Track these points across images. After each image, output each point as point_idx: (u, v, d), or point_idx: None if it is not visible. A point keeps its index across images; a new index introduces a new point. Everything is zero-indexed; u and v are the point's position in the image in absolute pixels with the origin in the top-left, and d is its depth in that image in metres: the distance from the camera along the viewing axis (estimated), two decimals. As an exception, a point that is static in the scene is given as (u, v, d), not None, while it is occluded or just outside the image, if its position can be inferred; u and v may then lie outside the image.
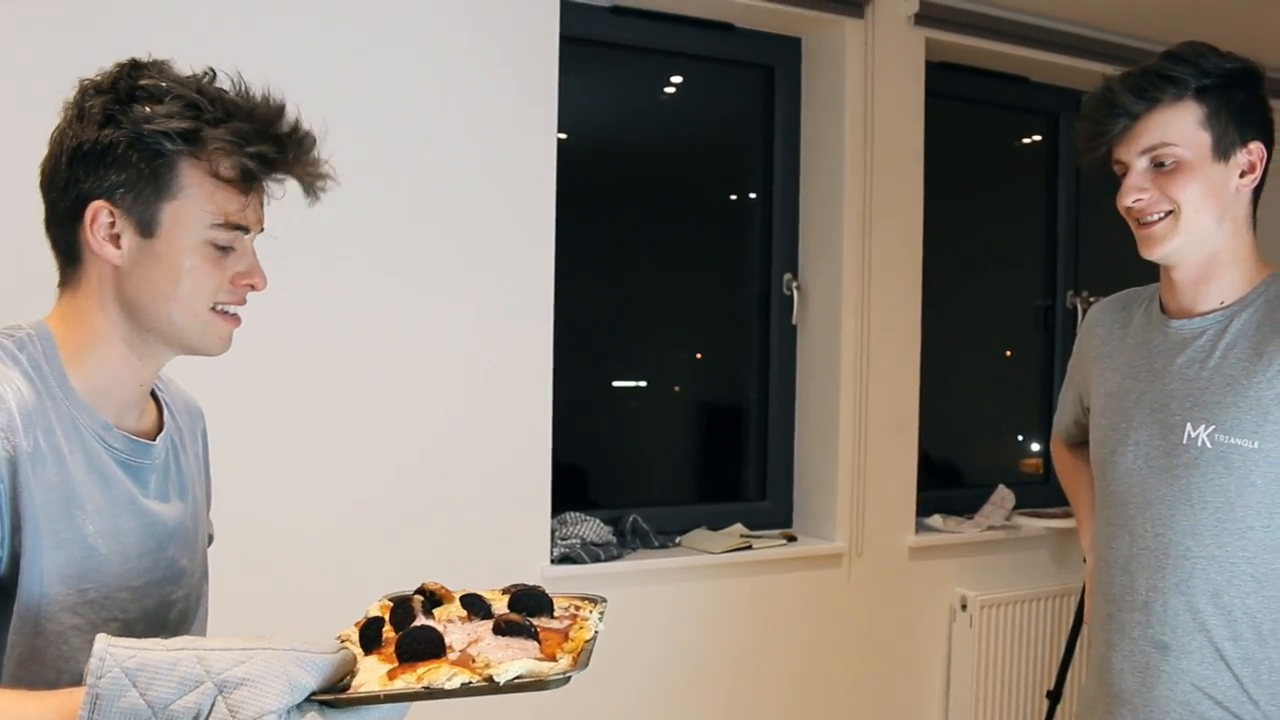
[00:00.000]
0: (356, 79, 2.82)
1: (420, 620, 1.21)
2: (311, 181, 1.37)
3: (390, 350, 2.88)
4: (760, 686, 3.52)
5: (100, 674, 1.03)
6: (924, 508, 3.88)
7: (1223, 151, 1.80)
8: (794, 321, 3.74)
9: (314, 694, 1.07)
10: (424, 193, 2.92)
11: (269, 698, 1.03)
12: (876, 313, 3.65)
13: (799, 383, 3.78)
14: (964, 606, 3.83)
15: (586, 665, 1.14)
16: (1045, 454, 4.38)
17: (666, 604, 3.35)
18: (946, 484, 4.20)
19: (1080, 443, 2.24)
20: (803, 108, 3.76)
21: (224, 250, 1.33)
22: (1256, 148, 1.82)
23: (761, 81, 3.79)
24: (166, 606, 1.40)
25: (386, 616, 1.23)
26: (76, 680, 1.23)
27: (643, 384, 3.85)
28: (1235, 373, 1.79)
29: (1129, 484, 1.89)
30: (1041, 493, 4.19)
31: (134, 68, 1.31)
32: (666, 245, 3.82)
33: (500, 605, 1.28)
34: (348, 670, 1.11)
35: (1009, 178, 4.52)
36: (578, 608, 1.31)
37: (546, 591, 1.30)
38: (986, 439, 4.51)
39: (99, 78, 1.31)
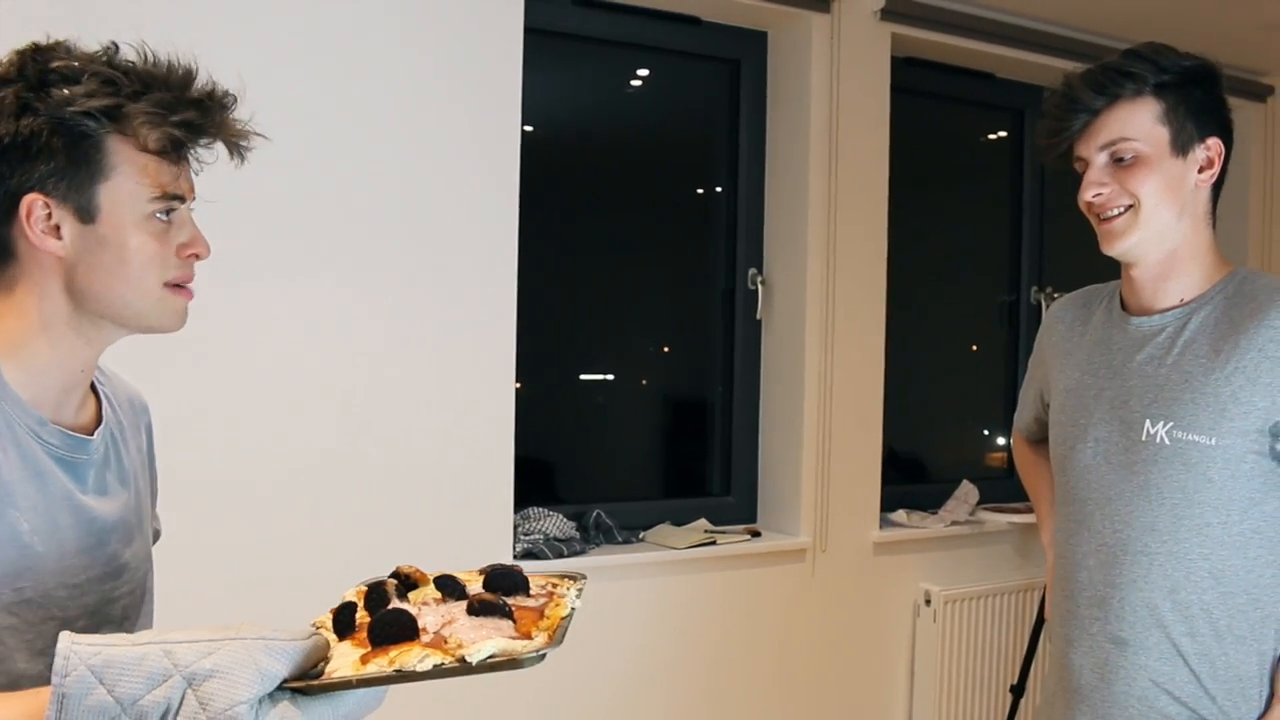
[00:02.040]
0: (316, 72, 2.80)
1: (394, 604, 1.19)
2: (236, 141, 1.34)
3: (352, 344, 2.86)
4: (725, 681, 3.52)
5: (65, 672, 1.01)
6: (888, 503, 3.89)
7: (1181, 147, 1.81)
8: (759, 316, 3.74)
9: (285, 682, 1.05)
10: (386, 186, 2.90)
11: (239, 688, 1.01)
12: (841, 307, 3.65)
13: (763, 377, 3.78)
14: (928, 601, 3.84)
15: (561, 642, 1.12)
16: (1009, 449, 4.40)
17: (630, 600, 3.34)
18: (911, 479, 4.22)
19: (1041, 440, 2.25)
20: (768, 102, 3.76)
21: (166, 223, 1.30)
22: (1215, 144, 1.84)
23: (727, 75, 3.78)
24: (109, 603, 1.37)
25: (360, 601, 1.22)
26: (14, 683, 1.22)
27: (609, 377, 3.84)
28: (1194, 369, 1.80)
29: (1088, 480, 1.90)
30: (1005, 488, 4.21)
31: (36, 51, 1.27)
32: (632, 239, 3.81)
33: (476, 586, 1.25)
34: (320, 657, 1.09)
35: (974, 173, 4.54)
36: (554, 585, 1.28)
37: (523, 571, 1.27)
38: (951, 434, 4.53)
39: (3, 68, 1.27)
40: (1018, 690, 3.65)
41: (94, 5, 2.51)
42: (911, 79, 3.95)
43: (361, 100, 2.86)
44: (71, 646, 1.03)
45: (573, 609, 1.22)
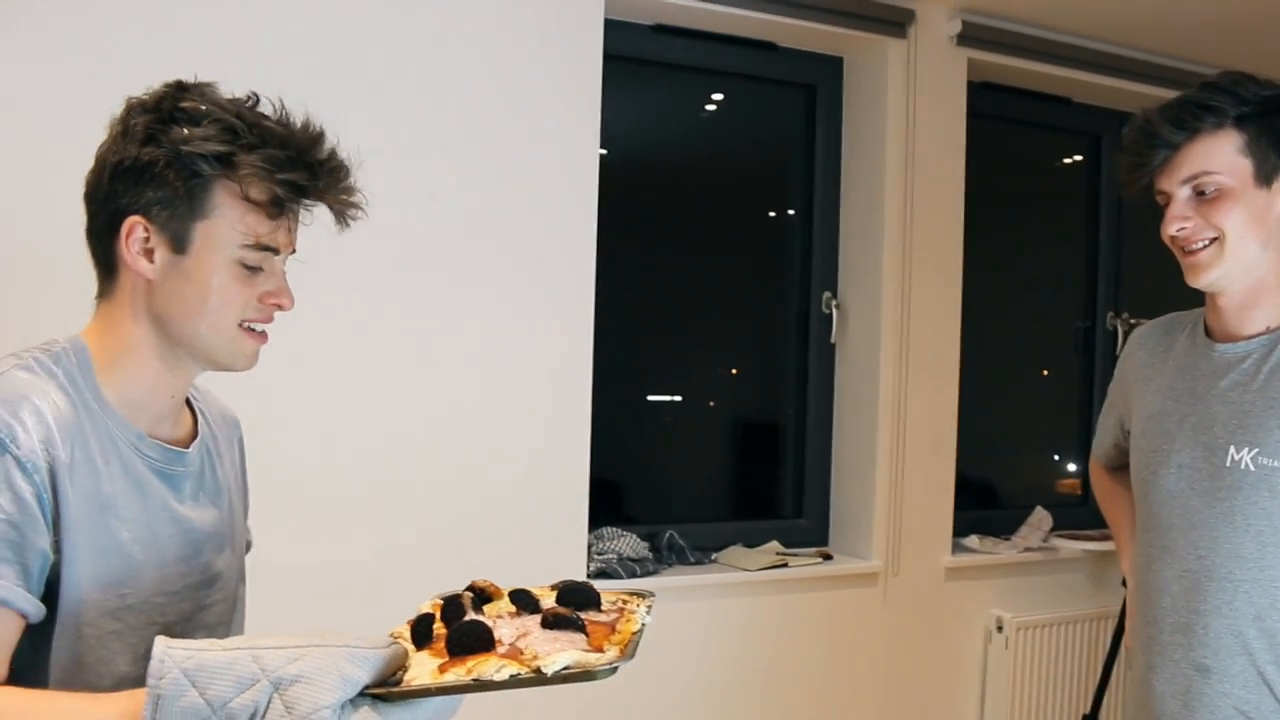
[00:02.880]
0: (403, 97, 2.85)
1: (470, 616, 1.22)
2: (342, 210, 1.40)
3: (431, 365, 2.91)
4: (793, 705, 3.52)
5: (160, 675, 1.06)
6: (961, 528, 3.87)
7: (1265, 177, 1.80)
8: (833, 340, 3.75)
9: (367, 688, 1.09)
10: (468, 209, 2.95)
11: (323, 693, 1.06)
12: (915, 332, 3.64)
13: (837, 401, 3.78)
14: (1000, 628, 3.81)
15: (633, 656, 1.15)
16: (1083, 475, 4.35)
17: (702, 620, 3.35)
18: (983, 504, 4.19)
19: (1119, 466, 2.24)
20: (844, 127, 3.77)
21: (253, 270, 1.35)
22: None
23: (803, 100, 3.80)
24: (203, 610, 1.43)
25: (437, 614, 1.25)
26: (118, 685, 1.27)
27: (677, 399, 3.85)
28: (1279, 396, 1.78)
29: (1171, 506, 1.88)
30: (1079, 514, 4.17)
31: (178, 89, 1.35)
32: (706, 261, 3.83)
33: (548, 600, 1.29)
34: (400, 665, 1.13)
35: (1050, 198, 4.51)
36: (625, 602, 1.31)
37: (594, 587, 1.31)
38: (1024, 460, 4.49)
39: (145, 97, 1.35)
40: (1091, 719, 3.61)
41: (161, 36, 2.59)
42: (987, 104, 3.94)
43: (444, 128, 2.91)
44: (166, 650, 1.08)
45: (644, 624, 1.25)
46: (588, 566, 3.15)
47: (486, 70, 2.96)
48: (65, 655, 1.27)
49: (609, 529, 3.32)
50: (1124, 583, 2.19)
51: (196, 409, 1.51)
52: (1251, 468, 1.78)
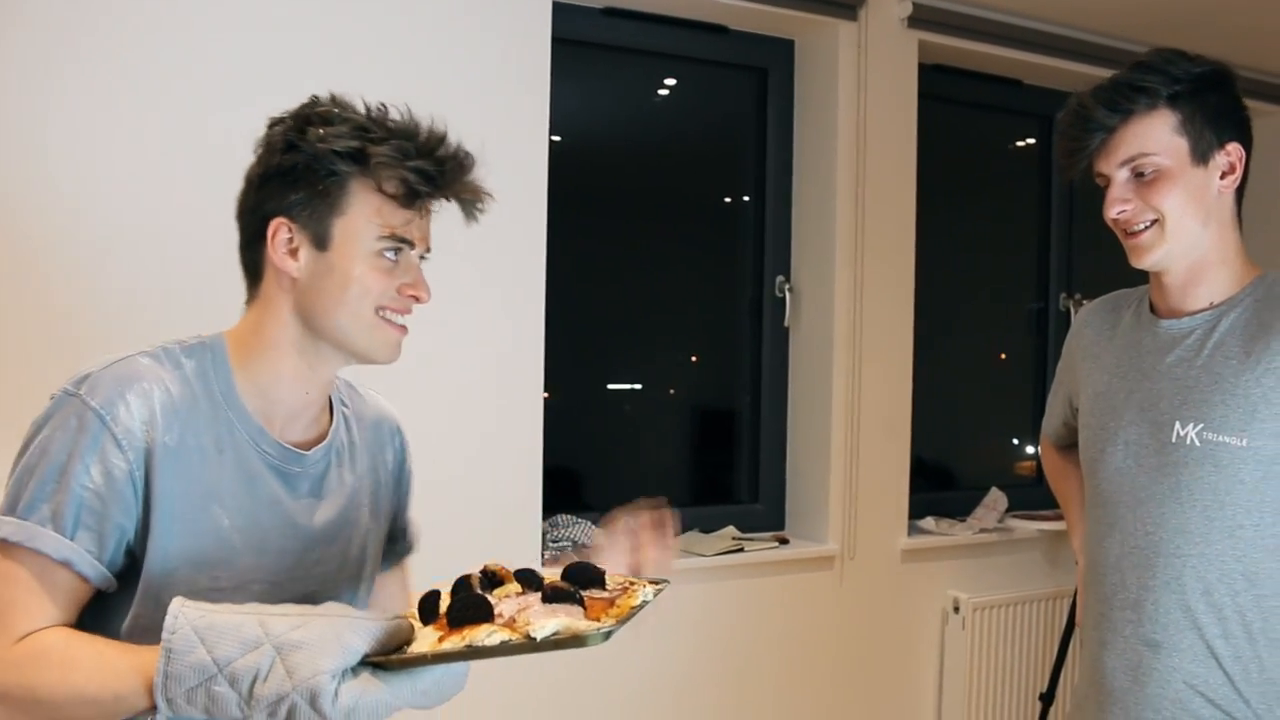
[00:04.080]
0: (345, 82, 2.80)
1: (478, 593, 1.26)
2: (470, 201, 1.50)
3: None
4: (752, 689, 3.52)
5: (173, 630, 1.16)
6: (916, 510, 3.88)
7: (1201, 155, 1.80)
8: (786, 324, 3.74)
9: (366, 657, 1.15)
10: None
11: (323, 659, 1.12)
12: (869, 315, 3.65)
13: (791, 385, 3.78)
14: (956, 609, 3.83)
15: (625, 624, 1.20)
16: (1038, 456, 4.38)
17: (658, 605, 3.33)
18: (939, 486, 4.21)
19: (1069, 445, 2.25)
20: (796, 110, 3.77)
21: (391, 262, 1.43)
22: (1235, 148, 1.83)
23: (755, 83, 3.79)
24: (304, 602, 1.44)
25: (446, 593, 1.28)
26: None
27: (637, 386, 3.84)
28: (1224, 371, 1.79)
29: (1118, 483, 1.89)
30: (1034, 495, 4.20)
31: (314, 101, 1.46)
32: (660, 248, 3.81)
33: (555, 580, 1.31)
34: (403, 638, 1.19)
35: (1002, 180, 4.53)
36: (631, 583, 1.35)
37: (600, 568, 1.34)
38: (979, 441, 4.51)
39: (284, 113, 1.45)
40: (1047, 698, 3.63)
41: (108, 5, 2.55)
42: (939, 86, 3.94)
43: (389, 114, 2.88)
44: (181, 608, 1.18)
45: (645, 601, 1.29)
46: (542, 554, 3.13)
47: (432, 54, 2.93)
48: (145, 619, 1.32)
49: (564, 516, 3.30)
50: (1077, 561, 2.20)
51: (339, 414, 1.57)
52: (1197, 443, 1.79)
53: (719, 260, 3.90)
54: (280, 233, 1.40)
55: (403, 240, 1.43)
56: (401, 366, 2.88)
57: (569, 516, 3.30)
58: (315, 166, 1.39)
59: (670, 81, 3.77)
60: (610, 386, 3.79)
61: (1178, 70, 1.80)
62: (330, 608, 1.19)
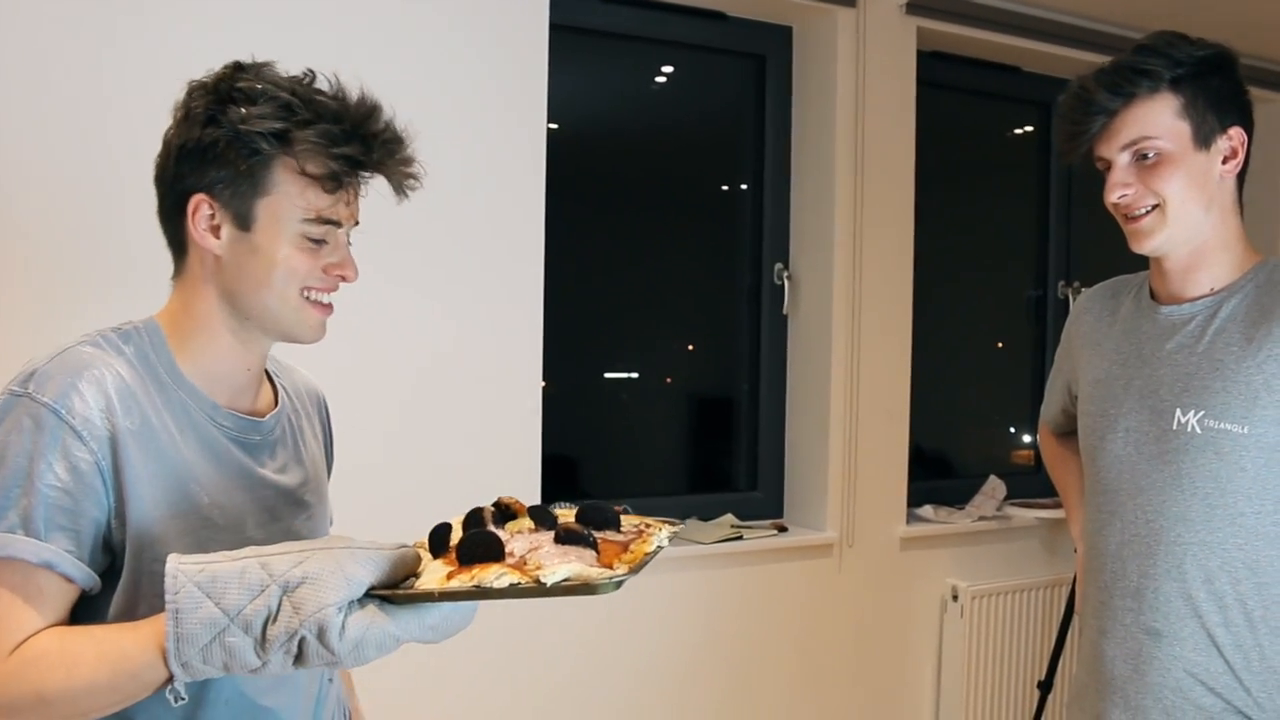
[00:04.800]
0: (341, 70, 2.79)
1: (489, 529, 1.24)
2: (400, 181, 1.46)
3: (376, 341, 2.87)
4: (751, 676, 3.52)
5: (175, 590, 1.14)
6: (915, 498, 3.88)
7: (1203, 140, 1.79)
8: (785, 311, 3.74)
9: (374, 589, 1.14)
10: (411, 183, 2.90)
11: (327, 592, 1.11)
12: (867, 302, 3.64)
13: (790, 373, 3.78)
14: (955, 597, 3.83)
15: (638, 573, 1.15)
16: (1036, 444, 4.37)
17: (658, 594, 3.34)
18: (937, 474, 4.20)
19: (1068, 432, 2.24)
20: (794, 97, 3.75)
21: (317, 243, 1.40)
22: (1237, 133, 1.82)
23: (753, 71, 3.78)
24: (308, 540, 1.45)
25: (459, 525, 1.26)
26: None
27: (635, 375, 3.84)
28: (1225, 357, 1.79)
29: (1119, 470, 1.88)
30: (1032, 483, 4.20)
31: (236, 69, 1.39)
32: (658, 235, 3.81)
33: (569, 520, 1.29)
34: (409, 569, 1.18)
35: (1001, 168, 4.52)
36: (647, 525, 1.31)
37: (615, 508, 1.31)
38: (977, 429, 4.51)
39: (205, 79, 1.39)
40: (1045, 686, 3.63)
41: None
42: (937, 73, 3.93)
43: (389, 97, 2.86)
44: (178, 566, 1.15)
45: (659, 546, 1.24)
46: (541, 542, 3.12)
47: (429, 41, 2.92)
48: (144, 609, 1.29)
49: (563, 504, 3.29)
50: (1076, 549, 2.19)
51: (278, 384, 1.57)
52: (1198, 430, 1.78)
53: (717, 248, 3.89)
54: (201, 209, 1.37)
55: (329, 221, 1.40)
56: (399, 356, 2.89)
57: (568, 504, 3.28)
58: (237, 145, 1.34)
59: (668, 68, 3.76)
60: (608, 375, 3.79)
61: (1180, 53, 1.79)
62: (333, 539, 1.18)
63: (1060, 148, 1.91)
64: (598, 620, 3.21)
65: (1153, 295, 1.93)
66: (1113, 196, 1.83)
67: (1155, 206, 1.80)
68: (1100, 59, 1.89)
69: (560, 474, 3.39)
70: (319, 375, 2.78)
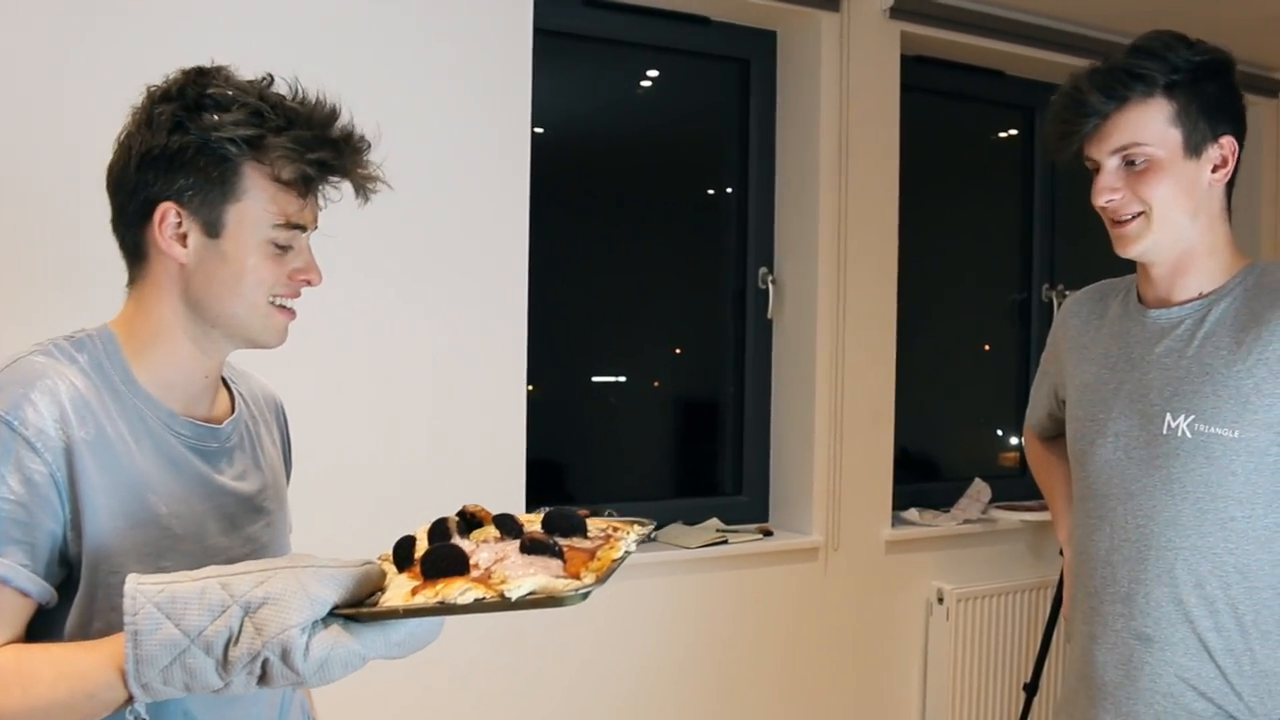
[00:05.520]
0: (323, 74, 2.78)
1: (455, 540, 1.22)
2: (363, 183, 1.45)
3: (361, 345, 2.86)
4: (737, 680, 3.52)
5: (135, 611, 1.10)
6: (900, 501, 3.88)
7: (1194, 148, 1.79)
8: (770, 315, 3.73)
9: (338, 608, 1.12)
10: (396, 188, 2.88)
11: (290, 613, 1.09)
12: (852, 306, 3.64)
13: (775, 377, 3.77)
14: (940, 600, 3.83)
15: (604, 582, 1.14)
16: (1022, 447, 4.38)
17: (643, 598, 3.33)
18: (923, 477, 4.21)
19: (1053, 436, 2.24)
20: (778, 101, 3.75)
21: (283, 249, 1.39)
22: (1228, 142, 1.81)
23: (737, 75, 3.77)
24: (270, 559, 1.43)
25: (424, 536, 1.25)
26: None
27: (621, 379, 3.83)
28: (1214, 362, 1.78)
29: (1109, 475, 1.88)
30: (1018, 486, 4.20)
31: (200, 74, 1.37)
32: (643, 239, 3.80)
33: (535, 527, 1.27)
34: (375, 586, 1.16)
35: (985, 171, 4.53)
36: (614, 529, 1.29)
37: (581, 513, 1.30)
38: (963, 432, 4.51)
39: (166, 85, 1.37)
40: (1031, 688, 3.64)
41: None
42: (921, 77, 3.94)
43: (369, 102, 2.85)
44: (137, 587, 1.12)
45: (626, 553, 1.22)
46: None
47: (414, 45, 2.91)
48: (99, 624, 1.27)
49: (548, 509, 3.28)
50: (1061, 552, 2.19)
51: (234, 390, 1.55)
52: (1188, 434, 1.78)
53: (702, 252, 3.88)
54: (168, 218, 1.34)
55: (296, 226, 1.39)
56: (384, 360, 2.88)
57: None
58: (207, 152, 1.32)
59: (652, 73, 3.75)
60: (594, 379, 3.78)
61: (1177, 58, 1.78)
62: (295, 557, 1.15)
63: (1049, 146, 1.90)
64: (582, 624, 3.20)
65: (1140, 299, 1.93)
66: (1100, 200, 1.83)
67: (1141, 213, 1.80)
68: (1083, 63, 1.89)
69: (546, 478, 3.38)
70: (303, 381, 2.77)
